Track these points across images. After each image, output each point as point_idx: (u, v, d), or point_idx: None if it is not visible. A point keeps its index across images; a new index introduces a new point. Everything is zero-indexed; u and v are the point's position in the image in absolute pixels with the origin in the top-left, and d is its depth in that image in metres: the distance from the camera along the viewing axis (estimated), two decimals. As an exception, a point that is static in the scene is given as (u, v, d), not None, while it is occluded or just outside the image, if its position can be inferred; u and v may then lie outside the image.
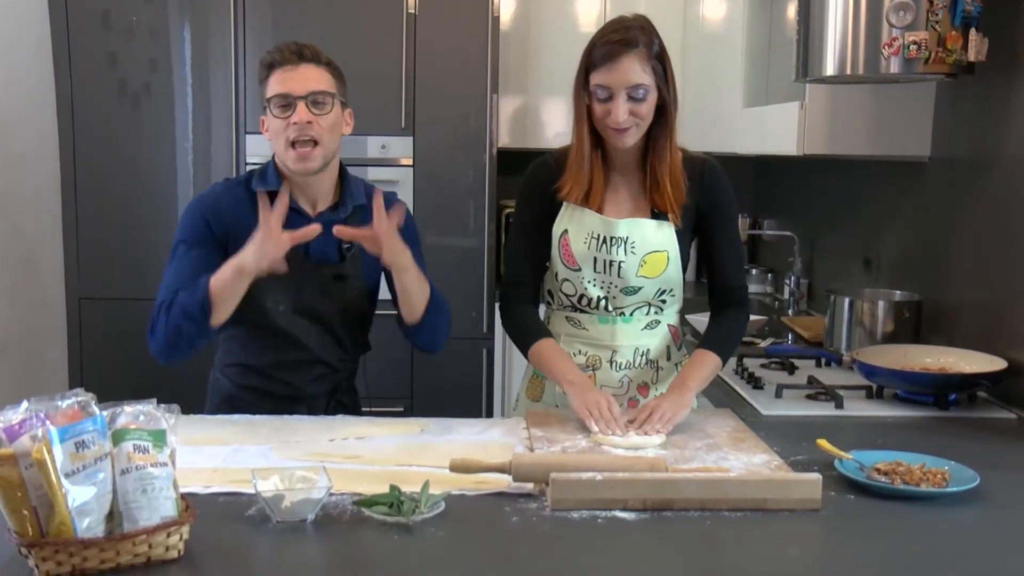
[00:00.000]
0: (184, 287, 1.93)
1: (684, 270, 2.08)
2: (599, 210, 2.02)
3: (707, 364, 2.00)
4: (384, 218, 1.90)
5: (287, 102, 1.94)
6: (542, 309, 2.17)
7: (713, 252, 2.09)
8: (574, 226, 2.03)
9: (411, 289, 2.00)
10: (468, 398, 3.66)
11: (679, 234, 2.03)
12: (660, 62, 1.93)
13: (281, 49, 1.97)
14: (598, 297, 2.05)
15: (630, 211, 2.04)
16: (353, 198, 2.06)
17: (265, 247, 1.83)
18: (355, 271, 2.06)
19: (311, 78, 1.96)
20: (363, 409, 2.22)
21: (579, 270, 2.04)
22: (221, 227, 1.99)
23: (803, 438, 1.84)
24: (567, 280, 2.07)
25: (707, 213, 2.06)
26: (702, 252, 2.13)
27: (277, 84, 1.96)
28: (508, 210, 3.86)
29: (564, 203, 2.03)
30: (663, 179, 1.99)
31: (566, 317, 2.10)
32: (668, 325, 2.11)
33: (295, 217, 2.01)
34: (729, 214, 2.09)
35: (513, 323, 2.10)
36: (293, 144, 1.94)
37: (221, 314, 1.90)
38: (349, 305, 2.07)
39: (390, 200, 2.15)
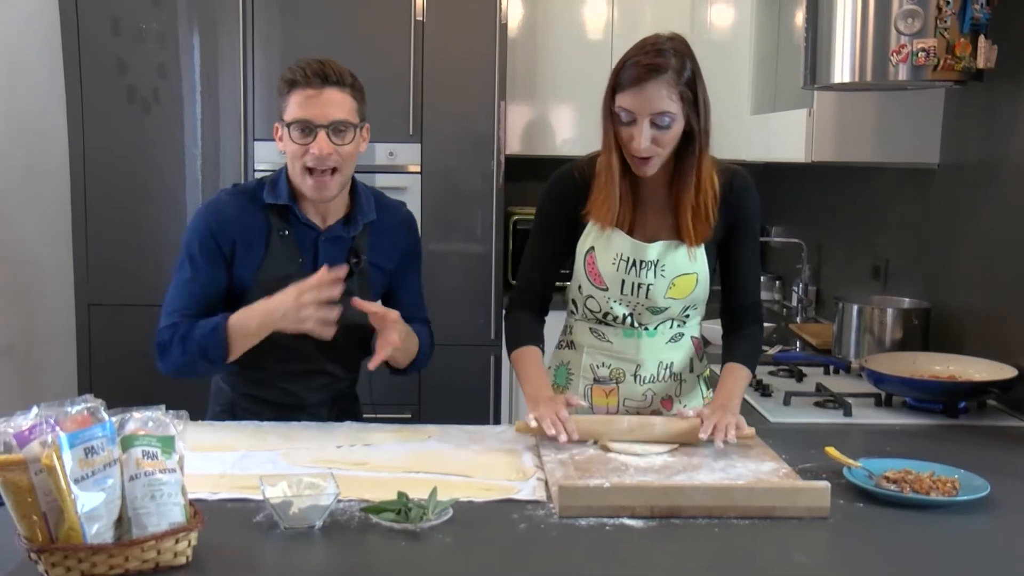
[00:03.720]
0: (192, 312, 1.95)
1: (712, 285, 2.05)
2: (629, 231, 1.98)
3: (744, 378, 1.99)
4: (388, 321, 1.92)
5: (308, 129, 1.91)
6: (564, 318, 2.15)
7: (733, 268, 2.05)
8: (601, 245, 1.99)
9: (398, 357, 2.05)
10: (475, 404, 3.65)
11: (707, 251, 1.99)
12: (691, 88, 1.85)
13: (303, 68, 1.92)
14: (624, 315, 2.03)
15: (658, 232, 1.99)
16: (364, 214, 2.04)
17: (304, 310, 1.83)
18: (363, 287, 2.05)
19: (334, 104, 1.91)
20: (371, 416, 2.22)
21: (606, 289, 2.00)
22: (227, 239, 1.98)
23: (811, 446, 1.84)
24: (592, 297, 2.03)
25: (731, 227, 2.01)
26: (722, 265, 2.06)
27: (298, 108, 1.91)
28: (516, 217, 3.87)
29: (590, 222, 1.99)
30: (684, 210, 1.94)
31: (590, 329, 2.07)
32: (691, 338, 2.09)
33: (305, 231, 2.01)
34: (753, 231, 2.05)
35: (508, 326, 2.10)
36: (310, 170, 1.93)
37: (237, 355, 1.93)
38: (355, 320, 2.02)
39: (399, 210, 2.15)
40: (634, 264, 1.97)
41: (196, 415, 1.79)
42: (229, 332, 1.90)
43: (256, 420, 2.04)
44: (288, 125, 1.93)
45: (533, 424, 1.82)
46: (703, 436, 1.80)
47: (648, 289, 1.98)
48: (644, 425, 1.87)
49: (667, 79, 1.82)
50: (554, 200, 2.04)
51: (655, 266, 1.97)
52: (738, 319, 2.07)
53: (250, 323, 1.90)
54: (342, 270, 1.87)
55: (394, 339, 1.91)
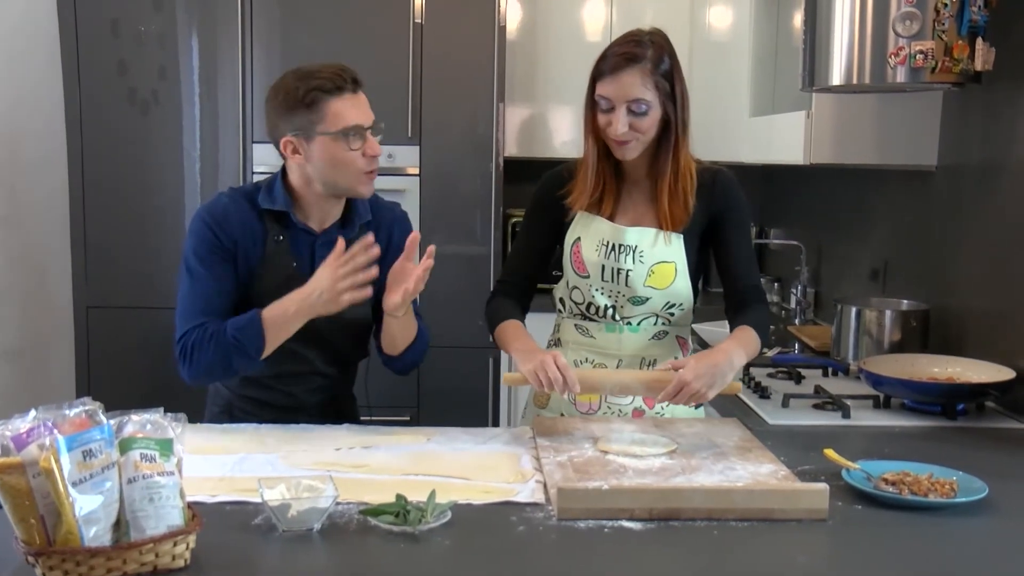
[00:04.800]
0: (214, 312, 1.92)
1: (696, 282, 2.07)
2: (611, 218, 2.04)
3: (751, 340, 1.93)
4: (420, 264, 1.90)
5: (359, 133, 1.92)
6: (554, 317, 2.19)
7: (725, 257, 2.08)
8: (587, 233, 2.05)
9: (396, 332, 2.03)
10: (474, 407, 3.65)
11: (688, 246, 2.03)
12: (668, 80, 1.94)
13: (336, 74, 1.90)
14: (605, 305, 2.06)
15: (638, 220, 2.05)
16: (360, 216, 2.05)
17: (340, 284, 1.82)
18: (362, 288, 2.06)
19: (367, 105, 1.95)
20: (370, 418, 2.22)
21: (588, 277, 2.05)
22: (230, 240, 1.96)
23: (810, 448, 1.84)
24: (576, 288, 2.08)
25: (717, 221, 2.06)
26: (716, 259, 2.11)
27: (346, 114, 1.90)
28: (515, 219, 3.87)
29: (578, 212, 2.06)
30: (661, 195, 2.01)
31: (575, 325, 2.11)
32: (676, 336, 2.11)
33: (302, 236, 2.01)
34: (739, 221, 2.08)
35: (489, 310, 2.11)
36: (364, 172, 1.95)
37: (272, 348, 1.91)
38: (353, 323, 2.05)
39: (392, 210, 2.16)
40: (613, 249, 2.03)
41: (194, 418, 1.79)
42: (265, 324, 1.88)
43: (254, 421, 2.03)
44: (344, 133, 1.91)
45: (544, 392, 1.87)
46: (659, 400, 1.84)
47: (627, 275, 2.02)
48: (618, 377, 1.92)
49: (643, 68, 1.92)
50: (541, 195, 2.12)
51: (634, 252, 2.02)
52: (740, 302, 2.07)
53: (288, 310, 1.87)
54: (370, 237, 1.86)
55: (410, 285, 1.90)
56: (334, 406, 2.16)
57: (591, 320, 2.09)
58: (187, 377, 1.96)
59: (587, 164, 2.03)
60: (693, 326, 2.27)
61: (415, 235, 1.95)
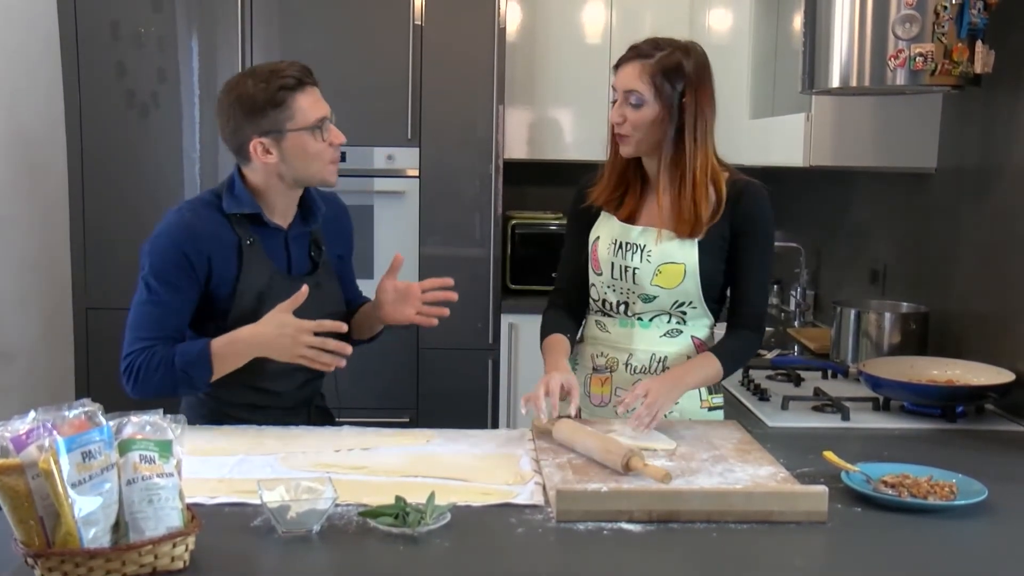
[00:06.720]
0: (166, 336, 1.94)
1: (718, 287, 2.07)
2: (630, 219, 2.08)
3: (709, 367, 2.00)
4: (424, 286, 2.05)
5: (326, 124, 1.96)
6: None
7: (736, 272, 2.07)
8: (603, 232, 2.11)
9: (375, 324, 2.17)
10: (474, 408, 3.65)
11: (705, 251, 2.02)
12: (675, 86, 1.96)
13: (299, 70, 1.94)
14: (617, 302, 2.10)
15: (654, 223, 2.05)
16: (318, 207, 2.08)
17: (298, 337, 1.87)
18: (328, 278, 2.10)
19: (321, 96, 1.98)
20: (339, 418, 2.24)
21: (601, 274, 2.11)
22: (202, 258, 1.94)
23: (809, 450, 1.84)
24: (594, 285, 2.14)
25: (738, 234, 2.04)
26: (728, 270, 2.08)
27: (316, 106, 1.94)
28: (514, 221, 3.87)
29: (601, 212, 2.12)
30: (661, 200, 2.03)
31: (595, 321, 2.16)
32: (692, 336, 2.10)
33: (270, 232, 2.01)
34: (758, 239, 2.05)
35: (542, 322, 2.18)
36: (331, 161, 1.99)
37: (218, 377, 1.94)
38: (329, 311, 2.04)
39: (336, 199, 2.20)
40: (621, 247, 2.07)
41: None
42: (214, 357, 1.91)
43: (240, 424, 2.02)
44: (315, 127, 1.94)
45: (528, 411, 1.92)
46: (620, 411, 1.90)
47: (634, 273, 2.05)
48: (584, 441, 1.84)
49: (645, 64, 1.98)
50: (574, 202, 2.19)
51: (641, 250, 2.04)
52: (734, 323, 2.10)
53: (239, 350, 1.92)
54: (343, 326, 1.94)
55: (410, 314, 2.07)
56: (315, 401, 2.19)
57: (607, 316, 2.14)
58: (132, 395, 1.95)
59: (610, 163, 2.10)
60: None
61: (399, 257, 2.06)
